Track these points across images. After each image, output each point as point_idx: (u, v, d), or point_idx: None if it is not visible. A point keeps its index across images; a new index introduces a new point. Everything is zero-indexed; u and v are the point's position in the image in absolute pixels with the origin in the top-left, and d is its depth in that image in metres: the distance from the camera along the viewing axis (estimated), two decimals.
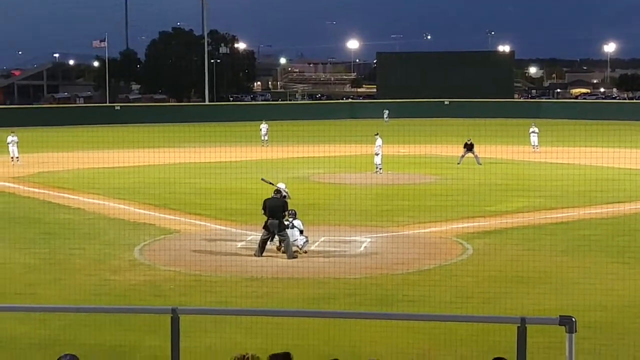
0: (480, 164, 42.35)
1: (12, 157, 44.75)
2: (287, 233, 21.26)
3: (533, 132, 52.01)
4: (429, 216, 26.57)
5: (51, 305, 16.56)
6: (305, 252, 21.59)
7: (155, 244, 23.17)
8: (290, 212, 21.89)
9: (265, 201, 21.63)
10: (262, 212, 21.54)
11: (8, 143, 45.11)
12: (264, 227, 21.31)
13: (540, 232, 24.51)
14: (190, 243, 22.89)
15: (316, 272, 19.52)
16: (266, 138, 58.54)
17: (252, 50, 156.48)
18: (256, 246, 21.55)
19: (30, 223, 26.36)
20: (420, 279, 18.56)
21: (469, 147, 43.83)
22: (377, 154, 40.50)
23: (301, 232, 21.78)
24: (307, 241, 21.88)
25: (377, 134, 41.39)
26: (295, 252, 21.28)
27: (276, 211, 21.15)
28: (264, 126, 59.36)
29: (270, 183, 23.43)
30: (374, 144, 40.94)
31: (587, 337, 13.49)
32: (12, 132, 45.60)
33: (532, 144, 51.65)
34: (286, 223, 21.44)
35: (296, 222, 21.79)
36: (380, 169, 40.11)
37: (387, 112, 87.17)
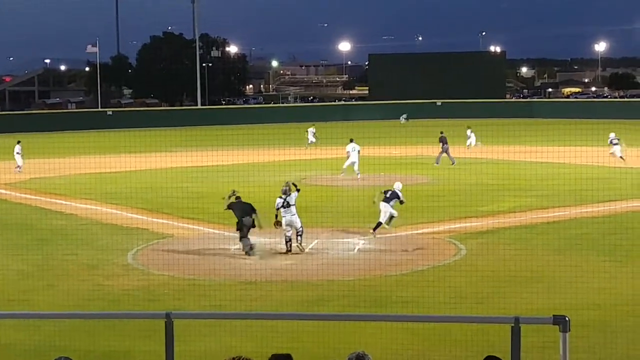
0: (454, 164, 42.22)
1: (17, 166, 44.77)
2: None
3: (613, 141, 43.04)
4: (422, 217, 26.57)
5: (45, 312, 16.54)
6: (302, 249, 22.02)
7: (149, 248, 23.15)
8: (285, 186, 22.79)
9: (232, 204, 22.37)
10: (227, 208, 22.46)
11: (17, 153, 45.18)
12: (238, 229, 21.98)
13: (532, 232, 24.58)
14: (184, 247, 22.90)
15: (310, 275, 19.53)
16: (313, 140, 55.83)
17: (243, 54, 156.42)
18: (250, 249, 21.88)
19: (23, 229, 26.29)
20: (414, 280, 18.59)
21: (443, 141, 43.57)
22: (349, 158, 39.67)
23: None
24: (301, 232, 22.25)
25: (352, 141, 40.48)
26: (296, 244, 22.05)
27: (246, 213, 22.00)
28: (311, 130, 56.85)
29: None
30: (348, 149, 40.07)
31: (581, 336, 13.53)
32: (18, 142, 45.80)
33: (616, 153, 42.26)
34: (279, 201, 22.36)
35: (291, 199, 22.53)
36: (344, 173, 39.63)
37: (404, 115, 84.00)
